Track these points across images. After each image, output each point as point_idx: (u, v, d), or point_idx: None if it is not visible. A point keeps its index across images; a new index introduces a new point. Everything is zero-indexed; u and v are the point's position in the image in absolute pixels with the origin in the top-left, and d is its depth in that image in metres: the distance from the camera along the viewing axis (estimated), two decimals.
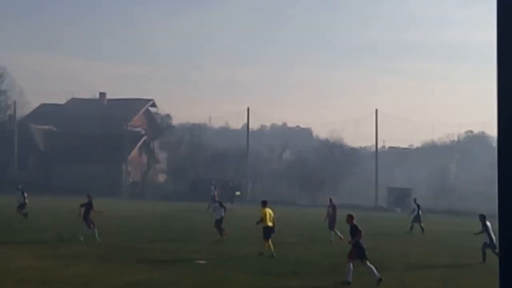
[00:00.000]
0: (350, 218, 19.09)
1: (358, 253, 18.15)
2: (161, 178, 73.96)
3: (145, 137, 74.50)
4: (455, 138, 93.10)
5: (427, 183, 71.56)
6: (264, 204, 24.35)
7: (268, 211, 24.12)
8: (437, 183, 71.32)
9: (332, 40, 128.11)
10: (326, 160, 72.30)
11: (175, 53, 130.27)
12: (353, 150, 79.45)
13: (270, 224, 23.82)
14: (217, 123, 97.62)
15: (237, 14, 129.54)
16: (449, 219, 46.11)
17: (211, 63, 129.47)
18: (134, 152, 72.01)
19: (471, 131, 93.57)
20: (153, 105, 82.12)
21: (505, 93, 2.44)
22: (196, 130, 78.67)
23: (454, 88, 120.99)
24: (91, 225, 26.30)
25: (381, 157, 69.74)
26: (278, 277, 19.09)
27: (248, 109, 69.12)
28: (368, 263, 18.08)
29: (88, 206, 26.64)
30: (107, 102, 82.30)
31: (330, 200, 30.80)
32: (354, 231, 18.54)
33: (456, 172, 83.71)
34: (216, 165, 69.21)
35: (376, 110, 64.67)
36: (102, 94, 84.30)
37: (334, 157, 74.43)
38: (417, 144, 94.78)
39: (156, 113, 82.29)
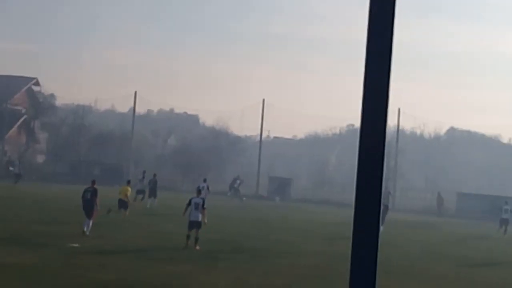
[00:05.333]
0: None
1: None
2: (40, 158, 71.76)
3: (25, 116, 72.01)
4: (337, 131, 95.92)
5: (307, 174, 73.50)
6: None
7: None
8: (317, 174, 73.43)
9: (222, 28, 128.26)
10: (211, 148, 72.60)
11: (64, 33, 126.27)
12: (239, 138, 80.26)
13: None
14: (103, 106, 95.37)
15: None
16: (325, 209, 47.59)
17: (100, 44, 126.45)
18: (13, 131, 69.44)
19: (353, 125, 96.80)
20: (37, 83, 79.36)
21: (370, 89, 2.59)
22: (80, 112, 76.75)
23: (340, 82, 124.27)
24: None
25: (265, 146, 70.91)
26: (154, 262, 19.14)
27: (135, 93, 68.38)
28: None
29: None
30: None
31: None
32: None
33: (335, 164, 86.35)
34: (98, 147, 67.90)
35: (263, 100, 65.74)
36: None
37: (219, 145, 74.87)
38: (300, 135, 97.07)
39: (39, 92, 79.52)
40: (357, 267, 2.50)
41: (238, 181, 54.18)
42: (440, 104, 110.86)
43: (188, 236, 22.53)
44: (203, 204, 23.20)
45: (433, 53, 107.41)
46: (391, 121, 67.40)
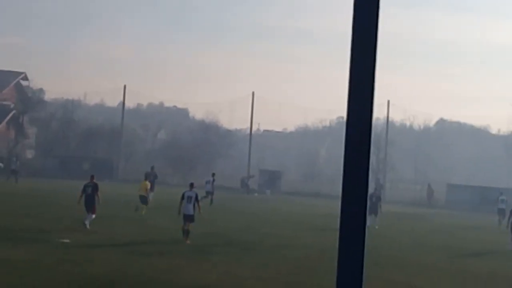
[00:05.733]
0: None
1: None
2: (29, 154, 71.48)
3: (14, 111, 71.67)
4: (327, 124, 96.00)
5: (297, 166, 73.61)
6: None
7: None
8: (307, 166, 73.55)
9: (208, 22, 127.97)
10: (201, 141, 72.54)
11: (52, 27, 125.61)
12: (229, 132, 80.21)
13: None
14: (92, 100, 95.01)
15: None
16: (316, 201, 47.67)
17: (88, 38, 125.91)
18: (1, 126, 69.14)
19: (342, 117, 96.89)
20: (25, 78, 78.96)
21: (355, 81, 2.59)
22: (69, 106, 76.45)
23: (330, 75, 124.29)
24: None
25: (255, 139, 70.92)
26: (145, 257, 19.14)
27: (124, 87, 68.12)
28: None
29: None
30: None
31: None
32: None
33: (325, 156, 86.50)
34: (87, 142, 67.70)
35: (253, 93, 65.68)
36: None
37: (209, 138, 74.81)
38: (291, 128, 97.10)
39: (28, 87, 79.12)
40: (344, 259, 2.51)
41: (251, 179, 54.82)
42: (430, 95, 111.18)
43: (183, 231, 22.61)
44: (196, 197, 23.34)
45: (423, 45, 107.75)
46: (381, 113, 67.62)
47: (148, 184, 31.98)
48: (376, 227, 30.73)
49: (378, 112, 68.46)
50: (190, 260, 19.05)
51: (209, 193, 38.29)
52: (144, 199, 30.71)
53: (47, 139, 70.13)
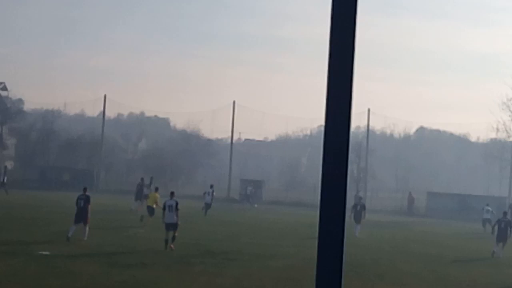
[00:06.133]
0: None
1: None
2: (9, 165, 70.82)
3: None
4: (308, 132, 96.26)
5: (279, 176, 73.65)
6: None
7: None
8: (288, 175, 73.61)
9: (190, 31, 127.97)
10: (182, 151, 72.40)
11: (32, 36, 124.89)
12: (210, 141, 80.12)
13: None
14: (72, 110, 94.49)
15: None
16: (297, 211, 47.67)
17: (68, 47, 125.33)
18: None
19: (323, 126, 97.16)
20: (4, 88, 78.39)
21: (333, 91, 2.59)
22: (49, 116, 75.97)
23: (310, 83, 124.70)
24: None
25: (236, 149, 70.87)
26: (126, 268, 18.98)
27: (105, 97, 67.84)
28: None
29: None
30: None
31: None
32: None
33: (307, 165, 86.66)
34: (68, 152, 67.25)
35: (234, 102, 65.68)
36: None
37: (191, 147, 74.69)
38: (272, 137, 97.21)
39: (7, 97, 78.53)
40: (323, 268, 2.50)
41: (249, 188, 54.94)
42: (410, 103, 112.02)
43: (166, 241, 22.86)
44: (176, 206, 23.74)
45: (403, 53, 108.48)
46: (361, 121, 67.97)
47: (158, 196, 31.46)
48: (357, 234, 31.30)
49: (359, 121, 68.87)
50: (173, 271, 18.95)
51: (208, 205, 39.06)
52: (151, 210, 30.63)
53: (26, 150, 69.58)
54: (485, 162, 68.59)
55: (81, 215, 24.51)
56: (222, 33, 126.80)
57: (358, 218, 32.73)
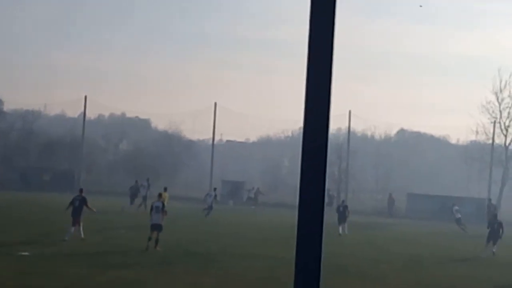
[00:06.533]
0: None
1: None
2: None
3: None
4: (290, 134, 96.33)
5: (261, 177, 73.69)
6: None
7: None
8: (270, 177, 73.66)
9: (172, 32, 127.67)
10: (164, 152, 72.21)
11: (10, 35, 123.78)
12: (191, 142, 79.97)
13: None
14: (52, 111, 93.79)
15: None
16: (279, 212, 47.69)
17: (48, 47, 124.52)
18: None
19: None
20: None
21: (312, 92, 2.62)
22: (29, 117, 75.42)
23: (289, 84, 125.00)
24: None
25: (218, 150, 70.81)
26: (108, 268, 18.92)
27: (85, 97, 67.47)
28: None
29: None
30: None
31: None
32: None
33: (288, 167, 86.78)
34: (48, 153, 66.82)
35: (215, 104, 65.69)
36: None
37: (172, 149, 74.51)
38: (253, 138, 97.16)
39: None
40: (301, 268, 2.53)
41: (253, 191, 55.27)
42: (391, 105, 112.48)
43: (149, 239, 23.18)
44: (162, 207, 24.29)
45: (384, 55, 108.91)
46: (343, 123, 68.20)
47: (167, 196, 32.67)
48: (342, 232, 33.53)
49: (340, 122, 69.12)
50: (155, 272, 18.93)
51: (210, 207, 39.45)
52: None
53: (6, 150, 69.00)
54: (465, 164, 69.08)
55: (76, 216, 25.05)
56: (203, 35, 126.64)
57: (342, 218, 35.10)
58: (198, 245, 25.33)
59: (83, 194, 26.03)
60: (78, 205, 25.33)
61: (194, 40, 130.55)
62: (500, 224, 30.05)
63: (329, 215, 35.65)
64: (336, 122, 69.67)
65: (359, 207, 55.41)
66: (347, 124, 65.89)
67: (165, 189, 34.65)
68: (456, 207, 42.93)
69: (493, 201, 58.62)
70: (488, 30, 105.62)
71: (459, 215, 42.03)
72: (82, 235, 24.60)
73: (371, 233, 37.25)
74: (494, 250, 28.81)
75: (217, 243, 26.62)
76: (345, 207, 36.56)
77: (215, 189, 42.94)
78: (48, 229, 26.05)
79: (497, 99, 62.76)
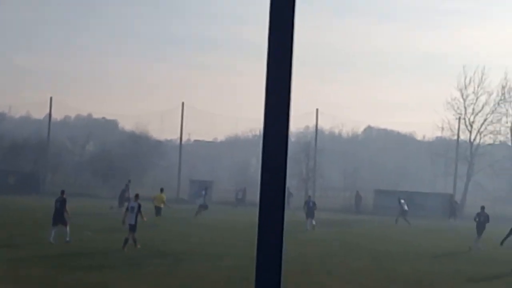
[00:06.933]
0: None
1: None
2: None
3: None
4: (257, 133, 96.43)
5: (228, 176, 73.68)
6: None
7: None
8: (238, 176, 73.63)
9: (139, 33, 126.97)
10: (131, 153, 71.73)
11: None
12: (159, 142, 79.56)
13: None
14: (18, 113, 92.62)
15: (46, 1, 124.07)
16: (247, 211, 47.71)
17: (13, 48, 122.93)
18: None
19: None
20: None
21: (272, 90, 2.61)
22: None
23: (256, 84, 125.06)
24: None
25: (186, 150, 70.61)
26: (73, 271, 18.72)
27: (51, 99, 66.79)
28: None
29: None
30: None
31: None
32: None
33: (256, 166, 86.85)
34: (13, 156, 65.92)
35: (183, 103, 65.51)
36: None
37: (140, 149, 74.04)
38: (221, 137, 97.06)
39: None
40: (262, 265, 2.53)
41: (241, 192, 55.43)
42: (358, 103, 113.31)
43: (126, 240, 23.38)
44: (139, 208, 24.46)
45: (350, 54, 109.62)
46: (310, 121, 68.49)
47: (164, 197, 34.39)
48: (308, 227, 35.33)
49: (308, 121, 69.41)
50: (122, 273, 18.79)
51: (202, 206, 39.46)
52: (159, 210, 33.44)
53: None
54: (431, 160, 69.91)
55: (58, 217, 25.09)
56: (170, 36, 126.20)
57: (310, 214, 36.56)
58: (166, 245, 25.21)
59: (64, 196, 26.08)
60: (59, 207, 25.46)
61: (160, 40, 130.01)
62: (487, 217, 30.27)
63: (289, 214, 35.76)
64: (304, 121, 70.06)
65: (327, 205, 55.75)
66: (314, 122, 66.25)
67: (162, 190, 35.42)
68: (403, 200, 44.65)
69: (459, 196, 59.61)
70: (453, 28, 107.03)
71: (406, 208, 43.87)
72: (68, 237, 24.54)
73: (339, 230, 37.48)
74: (480, 246, 28.78)
75: (186, 243, 26.52)
76: (313, 202, 37.57)
77: (206, 188, 43.08)
78: (14, 231, 25.67)
79: (462, 95, 63.76)
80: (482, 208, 31.31)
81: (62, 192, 26.53)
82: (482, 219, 30.24)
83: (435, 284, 20.58)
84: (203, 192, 41.75)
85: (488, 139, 64.69)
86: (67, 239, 24.47)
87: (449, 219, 43.00)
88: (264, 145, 2.64)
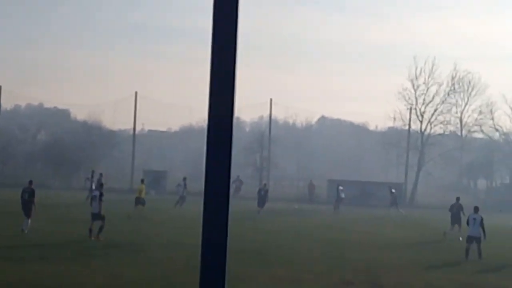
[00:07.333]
0: None
1: None
2: None
3: None
4: None
5: (183, 166, 73.39)
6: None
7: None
8: (192, 166, 73.39)
9: (93, 21, 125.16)
10: (84, 143, 70.81)
11: None
12: (112, 132, 78.72)
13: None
14: None
15: None
16: (201, 201, 47.65)
17: None
18: None
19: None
20: None
21: (216, 81, 2.60)
22: None
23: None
24: None
25: (139, 140, 70.07)
26: (23, 263, 18.43)
27: (0, 88, 65.42)
28: None
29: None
30: None
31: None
32: None
33: None
34: None
35: (136, 93, 64.94)
36: None
37: (92, 139, 73.14)
38: (175, 127, 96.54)
39: None
40: (207, 256, 2.53)
41: (236, 181, 54.95)
42: (311, 93, 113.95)
43: (90, 230, 23.55)
44: (100, 197, 24.63)
45: (304, 44, 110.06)
46: (264, 111, 68.66)
47: (144, 187, 35.39)
48: (260, 214, 36.27)
49: (262, 111, 69.58)
50: (74, 264, 18.57)
51: (182, 198, 39.15)
52: (140, 201, 34.07)
53: None
54: (383, 150, 70.83)
55: (26, 208, 24.94)
56: (123, 25, 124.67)
57: (261, 202, 37.56)
58: (120, 236, 25.02)
59: (32, 186, 25.83)
60: (28, 198, 25.21)
61: (113, 29, 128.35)
62: (460, 207, 30.65)
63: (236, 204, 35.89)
64: (258, 110, 70.28)
65: (281, 194, 56.07)
66: (268, 112, 66.43)
67: (142, 181, 36.44)
68: (341, 187, 46.43)
69: (411, 186, 60.63)
70: (404, 19, 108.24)
71: (343, 195, 45.76)
72: (26, 229, 24.31)
73: (291, 219, 37.72)
74: (460, 238, 27.66)
75: (140, 233, 26.37)
76: (266, 191, 38.69)
77: (184, 178, 42.67)
78: None
79: (413, 86, 64.73)
80: (457, 199, 31.61)
81: (30, 182, 26.13)
82: (455, 210, 30.75)
83: (383, 271, 20.88)
84: (183, 183, 41.58)
85: (438, 129, 65.85)
86: (25, 231, 24.22)
87: (390, 209, 42.72)
88: (209, 134, 2.64)
